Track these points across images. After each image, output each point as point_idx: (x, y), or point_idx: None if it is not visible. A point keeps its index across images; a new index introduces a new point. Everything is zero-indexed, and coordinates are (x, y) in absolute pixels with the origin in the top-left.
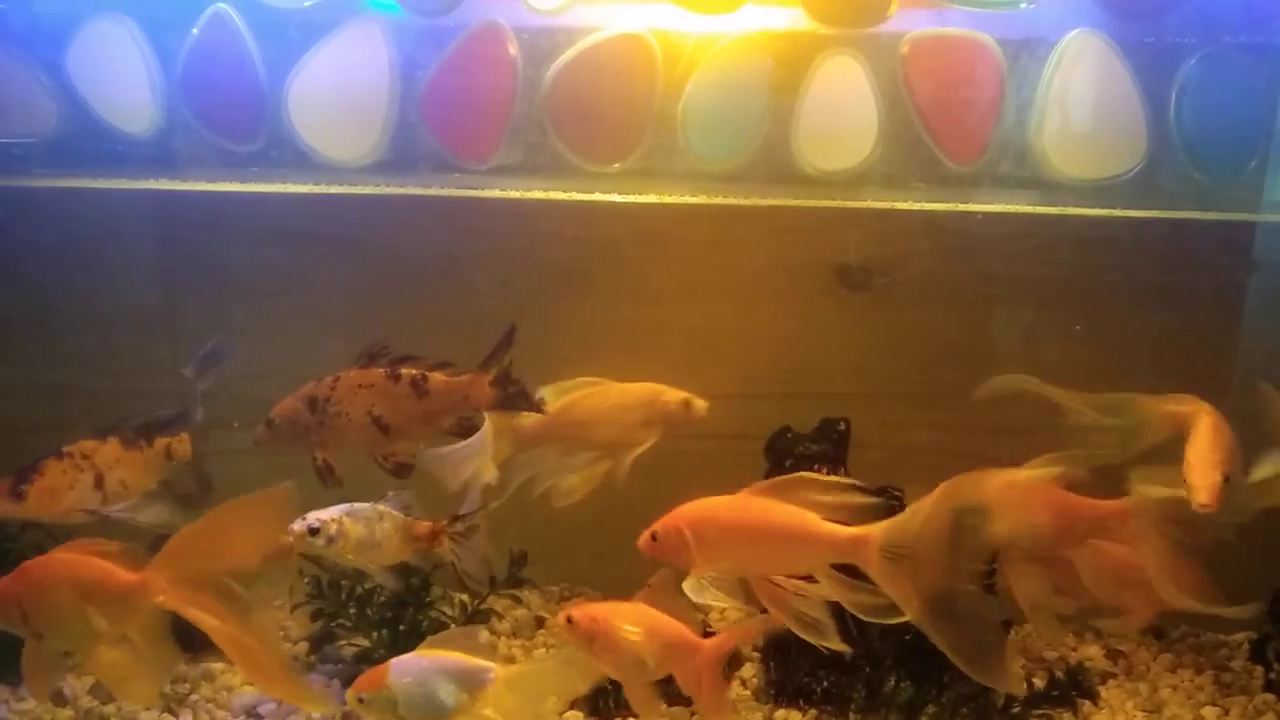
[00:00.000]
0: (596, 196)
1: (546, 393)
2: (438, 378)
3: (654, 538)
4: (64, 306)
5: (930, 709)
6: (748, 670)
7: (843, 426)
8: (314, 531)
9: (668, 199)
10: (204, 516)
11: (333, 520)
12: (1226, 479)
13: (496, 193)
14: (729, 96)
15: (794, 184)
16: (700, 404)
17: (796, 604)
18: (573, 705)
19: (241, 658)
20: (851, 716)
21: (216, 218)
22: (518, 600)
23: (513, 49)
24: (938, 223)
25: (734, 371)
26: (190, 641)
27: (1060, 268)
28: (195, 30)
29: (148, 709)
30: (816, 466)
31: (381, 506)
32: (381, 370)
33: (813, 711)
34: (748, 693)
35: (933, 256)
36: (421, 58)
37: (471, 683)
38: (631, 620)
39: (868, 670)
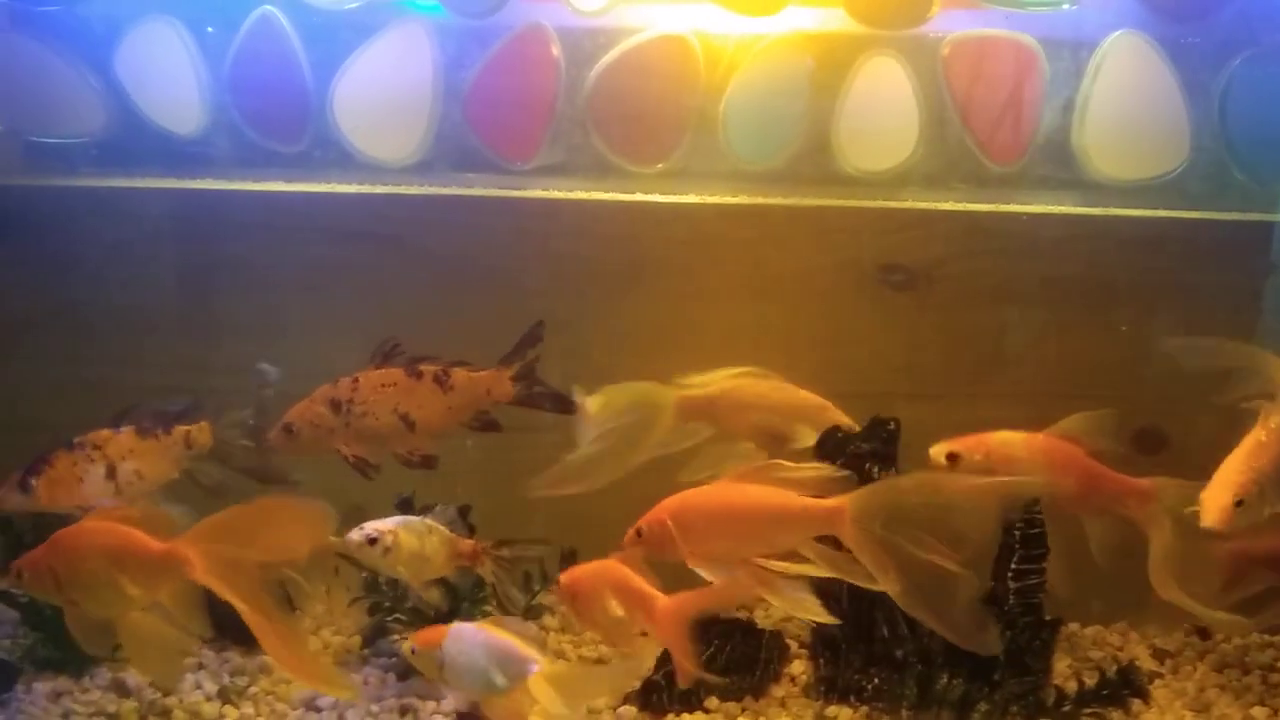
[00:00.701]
0: (640, 197)
1: (714, 377)
2: (460, 373)
3: (639, 534)
4: (111, 306)
5: (983, 706)
6: (797, 667)
7: (892, 426)
8: (372, 542)
9: (712, 199)
10: (248, 504)
11: (389, 532)
12: (1240, 503)
13: (539, 193)
14: (770, 97)
15: (835, 184)
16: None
17: (782, 583)
18: (625, 700)
19: (267, 638)
20: (903, 713)
21: (262, 218)
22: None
23: (556, 50)
24: (980, 224)
25: (778, 372)
26: (245, 634)
27: (1103, 269)
28: (242, 31)
29: (166, 691)
30: (868, 465)
31: (430, 520)
32: (401, 369)
33: (864, 709)
34: (797, 689)
35: (976, 257)
36: (465, 59)
37: (515, 669)
38: (610, 578)
39: (919, 667)
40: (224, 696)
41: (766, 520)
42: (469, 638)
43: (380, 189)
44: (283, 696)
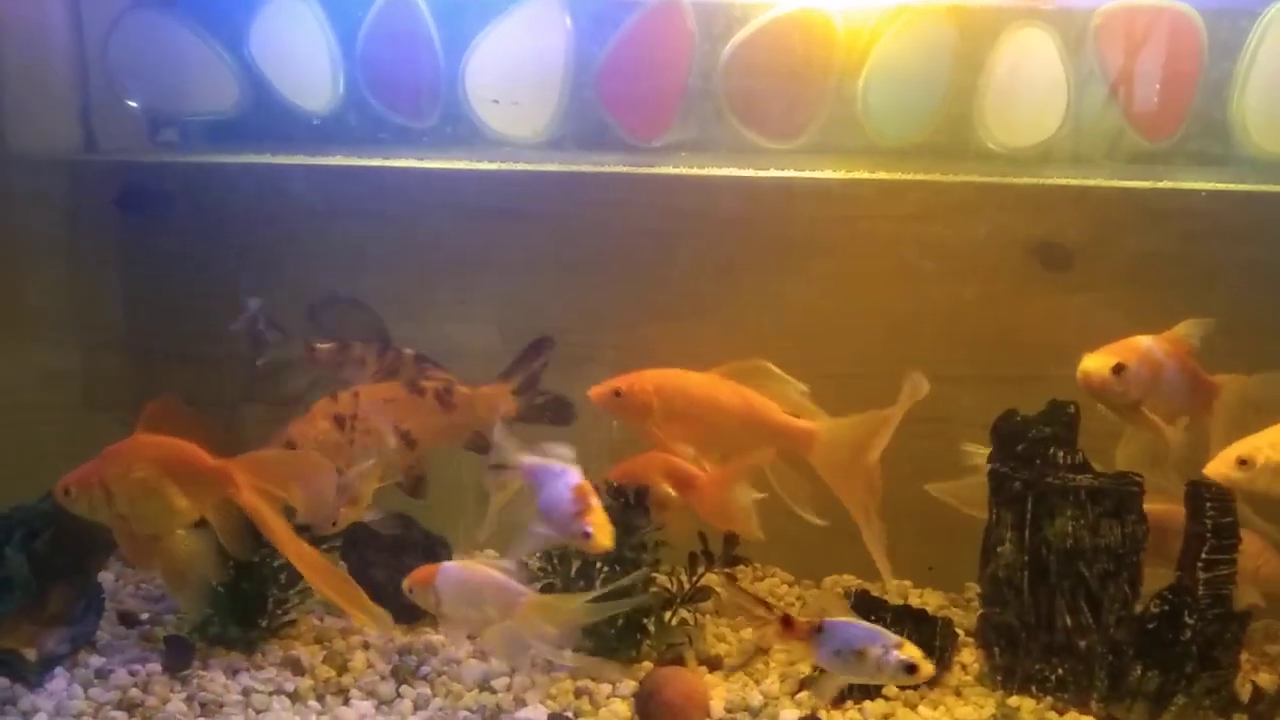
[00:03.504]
0: (778, 173)
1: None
2: (462, 390)
3: (617, 394)
4: (241, 283)
5: (1180, 699)
6: (968, 655)
7: (1072, 409)
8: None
9: (856, 175)
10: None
11: None
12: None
13: (670, 169)
14: (911, 71)
15: (977, 160)
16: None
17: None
18: (802, 686)
19: (303, 563)
20: (1093, 705)
21: (393, 195)
22: (732, 579)
23: (690, 24)
24: (1136, 200)
25: (933, 353)
26: (407, 613)
27: (1265, 247)
28: (375, 8)
29: (189, 623)
30: (1051, 450)
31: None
32: (400, 384)
33: (1048, 699)
34: (970, 678)
35: (1132, 235)
36: (599, 34)
37: (505, 601)
38: (656, 464)
39: (1110, 658)
40: (398, 676)
41: (742, 421)
42: (457, 576)
43: (511, 166)
44: (455, 677)
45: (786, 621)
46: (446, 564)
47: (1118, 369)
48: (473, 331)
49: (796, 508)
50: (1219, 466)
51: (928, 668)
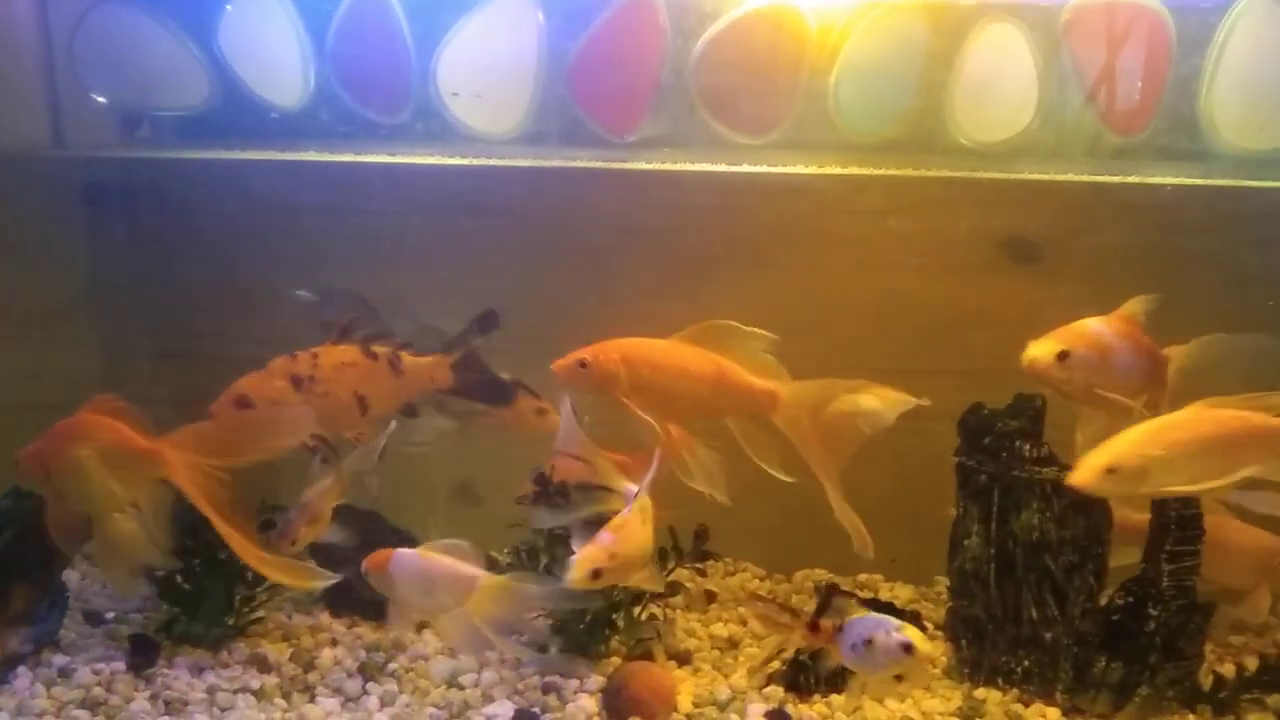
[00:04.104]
0: (750, 168)
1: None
2: (409, 357)
3: (583, 365)
4: (209, 278)
5: (1143, 690)
6: (936, 648)
7: (1039, 403)
8: None
9: (824, 170)
10: (221, 420)
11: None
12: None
13: (643, 165)
14: (882, 67)
15: (947, 156)
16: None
17: (702, 452)
18: (770, 680)
19: (235, 541)
20: (1058, 697)
21: (363, 190)
22: (701, 574)
23: (662, 20)
24: (1106, 195)
25: (903, 347)
26: (374, 610)
27: (1230, 241)
28: (345, 3)
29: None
30: (1017, 443)
31: None
32: (357, 348)
33: (1014, 691)
34: (938, 671)
35: (1101, 230)
36: (570, 29)
37: (458, 587)
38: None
39: (1074, 650)
40: (365, 673)
41: (708, 386)
42: (411, 562)
43: (483, 161)
44: (422, 673)
45: (813, 625)
46: (401, 549)
47: (1062, 355)
48: (445, 327)
49: (766, 466)
50: (1083, 475)
51: (926, 647)
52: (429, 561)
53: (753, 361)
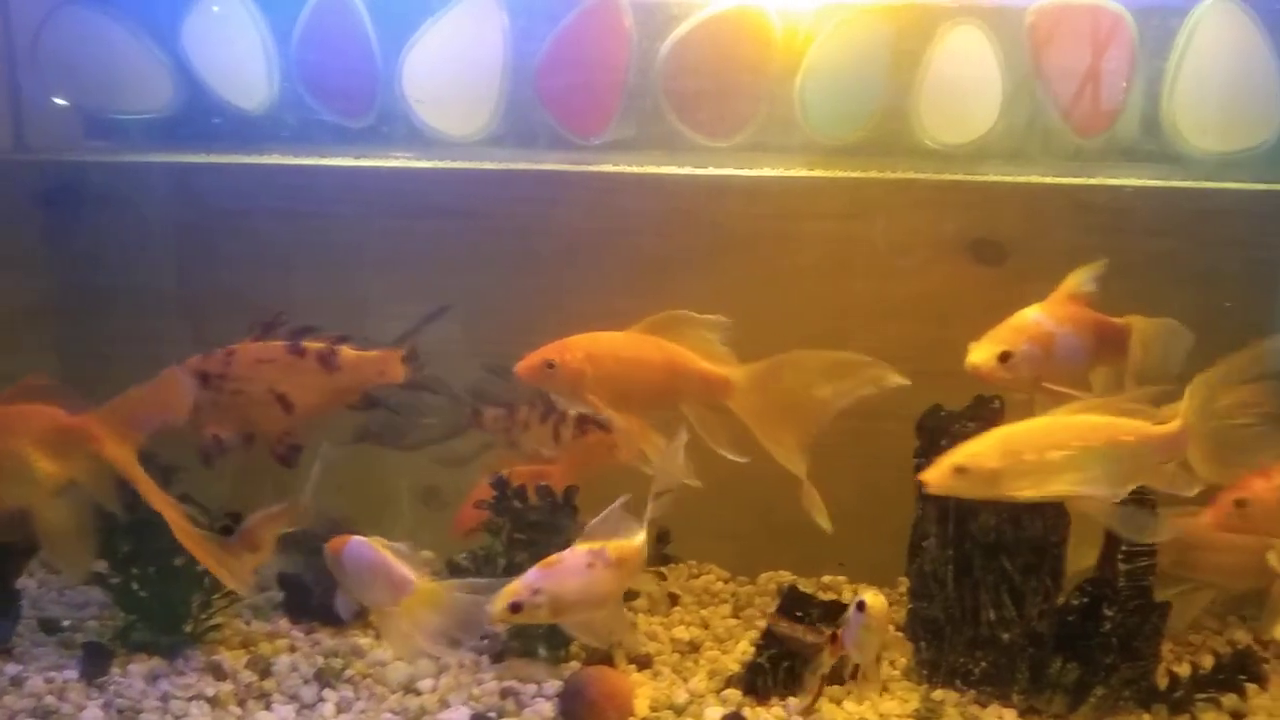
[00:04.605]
0: (716, 171)
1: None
2: (349, 352)
3: (550, 365)
4: (175, 283)
5: (1098, 690)
6: (896, 650)
7: (996, 404)
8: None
9: (790, 173)
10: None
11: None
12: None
13: (610, 168)
14: (848, 69)
15: (913, 158)
16: None
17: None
18: (728, 683)
19: (173, 524)
20: (1014, 698)
21: (330, 194)
22: (662, 576)
23: (628, 22)
24: (1068, 197)
25: (867, 349)
26: (332, 615)
27: (1192, 242)
28: (310, 4)
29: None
30: None
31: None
32: (282, 343)
33: (971, 692)
34: (897, 673)
35: (1065, 231)
36: (536, 32)
37: (392, 585)
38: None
39: (1030, 650)
40: (321, 679)
41: (666, 376)
42: (361, 551)
43: (449, 165)
44: (380, 680)
45: (833, 638)
46: (357, 538)
47: (1004, 356)
48: (399, 329)
49: (719, 449)
50: (934, 474)
51: (876, 600)
52: (376, 555)
53: (707, 350)
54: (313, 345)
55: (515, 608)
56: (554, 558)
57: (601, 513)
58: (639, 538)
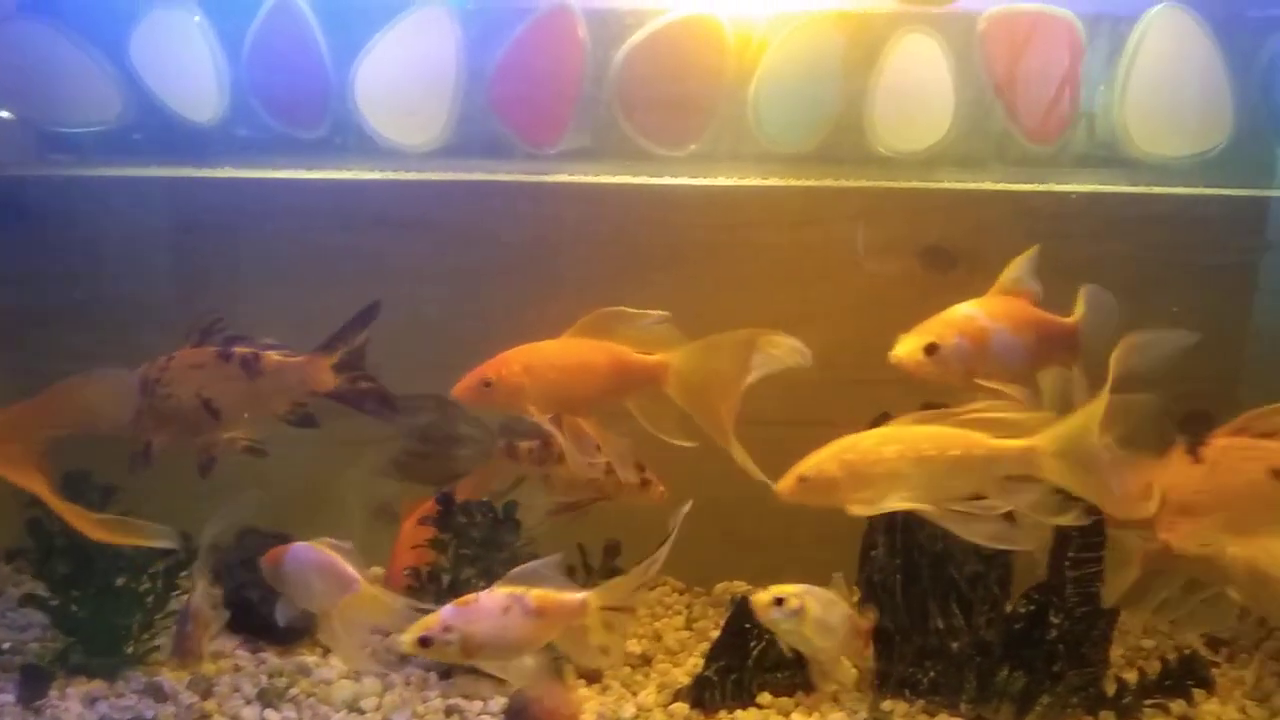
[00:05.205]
0: (671, 180)
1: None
2: (271, 357)
3: (487, 384)
4: (126, 297)
5: (1045, 699)
6: (848, 661)
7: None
8: (779, 602)
9: (744, 182)
10: (42, 395)
11: (796, 595)
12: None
13: (566, 178)
14: (801, 77)
15: (867, 166)
16: None
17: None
18: (676, 697)
19: (75, 519)
20: (962, 707)
21: (282, 205)
22: None
23: (582, 31)
24: (1019, 203)
25: (819, 356)
26: (278, 635)
27: (1142, 247)
28: (260, 15)
29: None
30: None
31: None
32: (213, 349)
33: (920, 702)
34: (847, 683)
35: (1014, 237)
36: (489, 41)
37: (336, 587)
38: None
39: (978, 660)
40: (264, 699)
41: (607, 375)
42: (304, 557)
43: (403, 175)
44: (324, 699)
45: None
46: (299, 544)
47: (930, 349)
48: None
49: (663, 435)
50: (783, 482)
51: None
52: (321, 555)
53: (647, 337)
54: (239, 351)
55: (425, 642)
56: (470, 597)
57: (537, 560)
58: (576, 595)
